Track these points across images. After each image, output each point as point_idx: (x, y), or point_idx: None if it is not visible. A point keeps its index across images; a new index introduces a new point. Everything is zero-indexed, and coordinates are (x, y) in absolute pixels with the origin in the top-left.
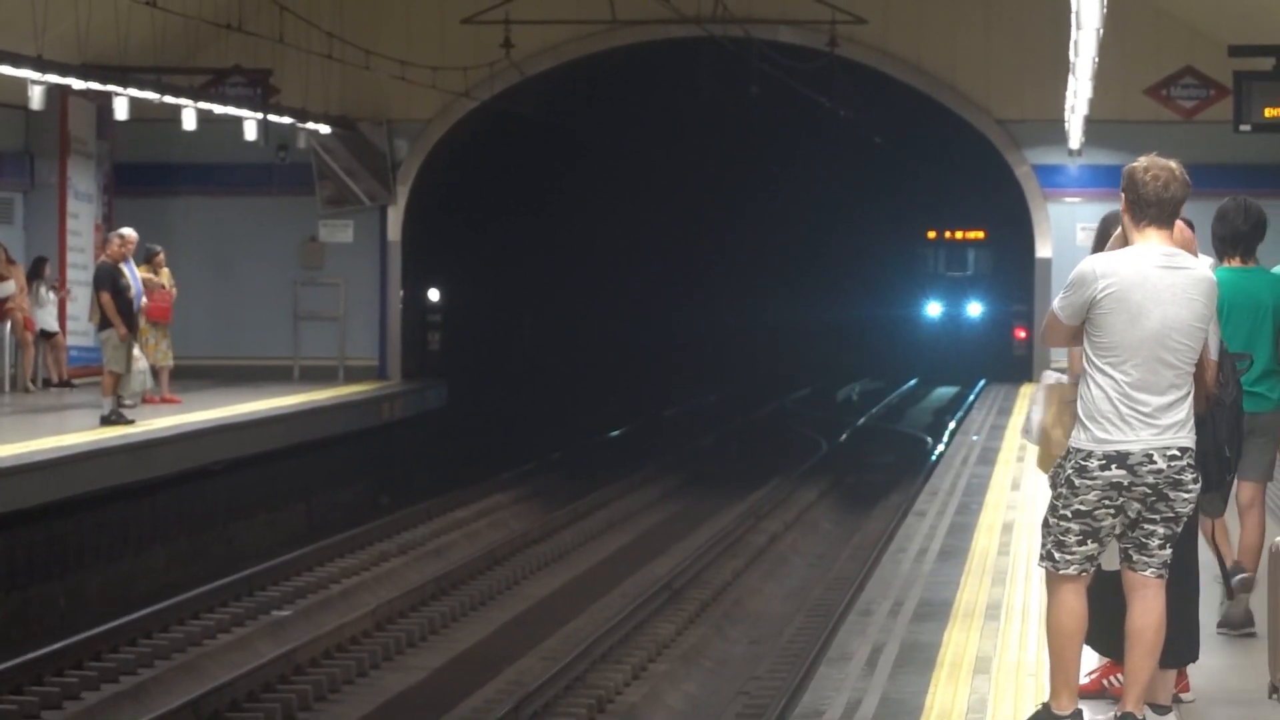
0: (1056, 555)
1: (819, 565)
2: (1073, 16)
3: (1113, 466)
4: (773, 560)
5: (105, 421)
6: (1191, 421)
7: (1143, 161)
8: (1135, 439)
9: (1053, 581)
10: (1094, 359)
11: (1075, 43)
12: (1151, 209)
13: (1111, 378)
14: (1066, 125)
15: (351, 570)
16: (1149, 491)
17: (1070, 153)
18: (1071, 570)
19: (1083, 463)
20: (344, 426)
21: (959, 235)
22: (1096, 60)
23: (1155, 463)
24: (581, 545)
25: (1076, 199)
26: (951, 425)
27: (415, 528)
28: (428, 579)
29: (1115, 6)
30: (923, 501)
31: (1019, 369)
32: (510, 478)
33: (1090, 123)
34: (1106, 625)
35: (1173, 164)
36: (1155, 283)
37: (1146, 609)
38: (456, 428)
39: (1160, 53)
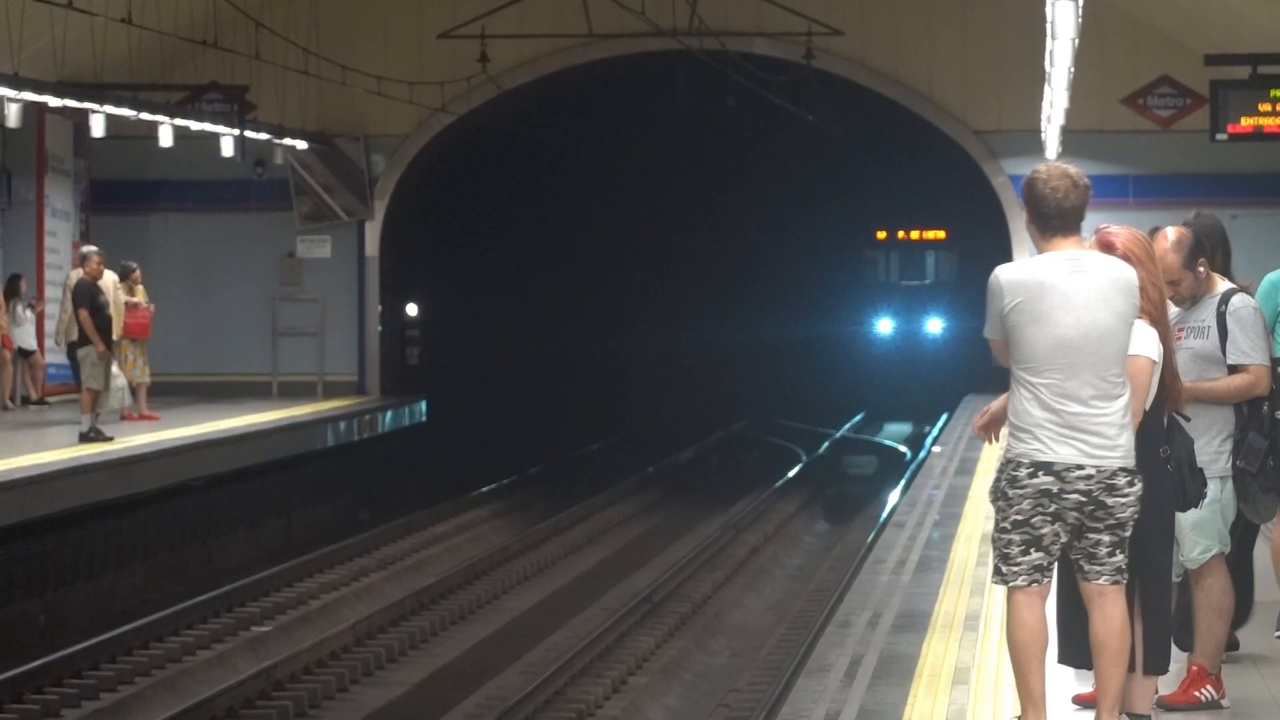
0: (1003, 569)
1: (799, 577)
2: (1048, 27)
3: (1040, 474)
4: (753, 573)
5: (84, 439)
6: (1127, 432)
7: (1041, 172)
8: (1059, 452)
9: (1009, 596)
10: (1015, 370)
11: (1051, 53)
12: (1055, 220)
13: (1032, 387)
14: (1043, 135)
15: (331, 585)
16: (1084, 499)
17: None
18: (1020, 581)
19: (1013, 473)
20: (323, 442)
21: (915, 235)
22: (1073, 70)
23: (1084, 469)
24: (561, 559)
25: None
26: (931, 437)
27: (395, 543)
28: (407, 594)
29: (1091, 17)
30: (901, 512)
31: (999, 380)
32: (489, 492)
33: (1067, 133)
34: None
35: (1070, 170)
36: (1064, 288)
37: (1106, 616)
38: (436, 442)
39: (1137, 62)
